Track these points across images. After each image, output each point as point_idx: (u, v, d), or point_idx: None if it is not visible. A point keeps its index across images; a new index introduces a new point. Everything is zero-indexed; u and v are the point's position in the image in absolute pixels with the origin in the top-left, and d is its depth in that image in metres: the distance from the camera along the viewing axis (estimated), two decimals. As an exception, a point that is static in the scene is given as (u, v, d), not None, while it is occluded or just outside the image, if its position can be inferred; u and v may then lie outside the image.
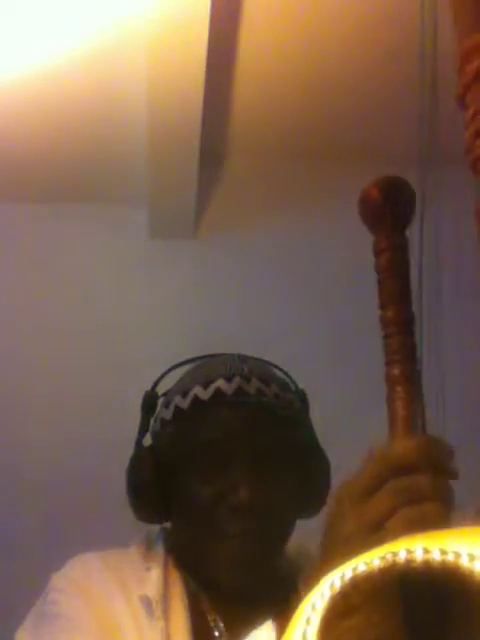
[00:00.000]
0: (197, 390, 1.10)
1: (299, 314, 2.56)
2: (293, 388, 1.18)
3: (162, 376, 1.19)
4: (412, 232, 0.68)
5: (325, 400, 2.36)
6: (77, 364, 2.53)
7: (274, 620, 0.84)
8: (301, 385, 1.20)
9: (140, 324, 2.55)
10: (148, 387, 1.19)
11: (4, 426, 2.43)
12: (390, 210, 0.67)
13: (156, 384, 1.18)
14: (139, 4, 1.89)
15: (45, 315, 2.56)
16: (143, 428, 1.16)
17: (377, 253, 0.68)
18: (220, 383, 1.09)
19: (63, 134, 2.36)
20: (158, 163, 2.34)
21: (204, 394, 1.09)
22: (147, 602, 1.05)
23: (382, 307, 0.69)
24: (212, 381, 1.10)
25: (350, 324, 2.50)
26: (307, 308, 2.57)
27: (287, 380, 1.18)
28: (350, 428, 2.24)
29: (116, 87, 2.23)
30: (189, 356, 1.21)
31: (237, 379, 1.09)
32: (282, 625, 0.53)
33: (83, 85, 2.20)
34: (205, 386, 1.10)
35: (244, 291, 2.59)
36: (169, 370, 1.20)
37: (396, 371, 0.69)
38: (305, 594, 0.51)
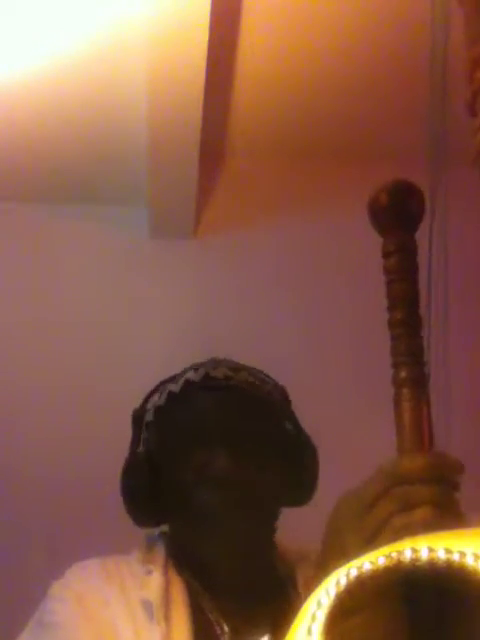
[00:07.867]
0: (170, 386, 1.18)
1: (299, 314, 2.56)
2: (271, 382, 1.20)
3: (150, 395, 1.22)
4: (421, 235, 0.68)
5: (325, 400, 2.37)
6: (77, 364, 2.52)
7: (273, 627, 0.84)
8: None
9: (139, 324, 2.55)
10: (148, 387, 1.22)
11: (3, 426, 2.43)
12: (399, 215, 0.67)
13: (145, 401, 1.21)
14: (139, 4, 1.89)
15: (45, 315, 2.56)
16: (135, 441, 1.20)
17: (386, 255, 0.67)
18: (188, 374, 1.17)
19: (63, 134, 2.36)
20: (158, 163, 2.33)
21: (175, 387, 1.16)
22: (148, 605, 1.05)
23: (390, 309, 0.69)
24: (182, 375, 1.18)
25: (351, 324, 2.50)
26: (307, 308, 2.57)
27: (266, 375, 1.21)
28: (351, 429, 2.25)
29: (116, 87, 2.22)
30: (188, 355, 1.24)
31: (203, 368, 1.16)
32: (283, 625, 0.53)
33: (83, 85, 2.20)
34: (176, 381, 1.17)
35: (244, 291, 2.59)
36: (155, 389, 1.23)
37: (403, 373, 0.69)
38: (306, 597, 0.51)
